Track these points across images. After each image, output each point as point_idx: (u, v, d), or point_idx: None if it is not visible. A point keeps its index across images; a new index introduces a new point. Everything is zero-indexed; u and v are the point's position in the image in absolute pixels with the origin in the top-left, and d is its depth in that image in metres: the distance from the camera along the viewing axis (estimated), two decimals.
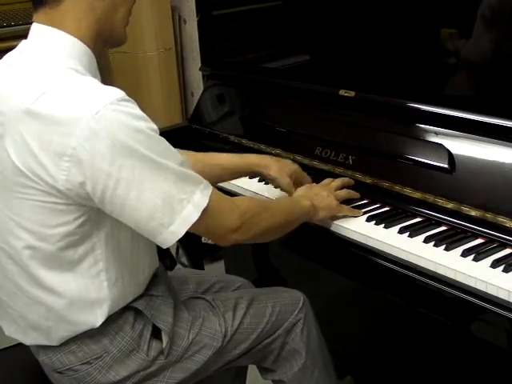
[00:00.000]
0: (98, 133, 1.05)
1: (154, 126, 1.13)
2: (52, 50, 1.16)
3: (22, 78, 1.14)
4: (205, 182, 1.17)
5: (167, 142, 1.14)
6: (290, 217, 1.36)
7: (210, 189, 1.17)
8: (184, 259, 2.38)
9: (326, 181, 1.55)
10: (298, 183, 1.57)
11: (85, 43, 1.19)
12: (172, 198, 1.11)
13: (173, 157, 1.13)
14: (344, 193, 1.51)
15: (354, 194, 1.54)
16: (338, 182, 1.54)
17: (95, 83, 1.13)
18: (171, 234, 1.13)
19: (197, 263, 2.18)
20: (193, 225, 1.14)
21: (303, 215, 1.40)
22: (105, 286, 1.22)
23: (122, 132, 1.06)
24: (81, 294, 1.21)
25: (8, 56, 1.23)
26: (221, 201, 1.20)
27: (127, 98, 1.11)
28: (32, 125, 1.08)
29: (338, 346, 1.88)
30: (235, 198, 1.28)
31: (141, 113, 1.11)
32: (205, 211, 1.15)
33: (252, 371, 1.65)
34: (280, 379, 1.48)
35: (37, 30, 1.19)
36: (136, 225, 1.13)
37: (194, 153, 1.62)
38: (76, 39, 1.17)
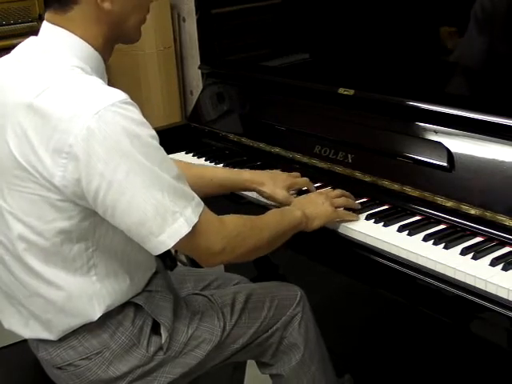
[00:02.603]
0: (95, 133, 1.06)
1: (154, 133, 1.13)
2: (60, 49, 1.17)
3: (28, 73, 1.15)
4: (197, 198, 1.17)
5: (165, 153, 1.14)
6: (278, 232, 1.33)
7: (201, 206, 1.17)
8: (183, 257, 2.38)
9: (326, 189, 1.54)
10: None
11: (93, 47, 1.20)
12: (165, 209, 1.11)
13: (169, 168, 1.13)
14: (342, 200, 1.48)
15: (353, 204, 1.50)
16: (338, 191, 1.51)
17: (99, 83, 1.13)
18: (160, 243, 1.13)
19: (196, 262, 2.18)
20: (180, 240, 1.13)
21: (293, 228, 1.38)
22: (95, 281, 1.22)
23: (120, 135, 1.07)
24: (77, 288, 1.21)
25: (17, 50, 1.24)
26: (209, 221, 1.19)
27: (130, 101, 1.11)
28: (33, 119, 1.10)
29: (338, 344, 1.89)
30: (224, 216, 1.25)
31: (142, 118, 1.11)
32: (194, 228, 1.14)
33: (250, 367, 1.66)
34: (278, 373, 1.48)
35: (47, 28, 1.20)
36: (126, 229, 1.13)
37: (188, 163, 1.62)
38: (84, 42, 1.19)
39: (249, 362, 1.64)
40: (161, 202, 1.10)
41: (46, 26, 1.21)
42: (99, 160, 1.06)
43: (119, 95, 1.10)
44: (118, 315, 1.27)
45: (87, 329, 1.25)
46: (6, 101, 1.15)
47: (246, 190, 1.63)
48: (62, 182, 1.10)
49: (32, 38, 1.23)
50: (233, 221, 1.25)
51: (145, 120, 1.12)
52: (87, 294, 1.22)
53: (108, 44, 1.24)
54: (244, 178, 1.59)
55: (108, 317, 1.26)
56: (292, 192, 1.60)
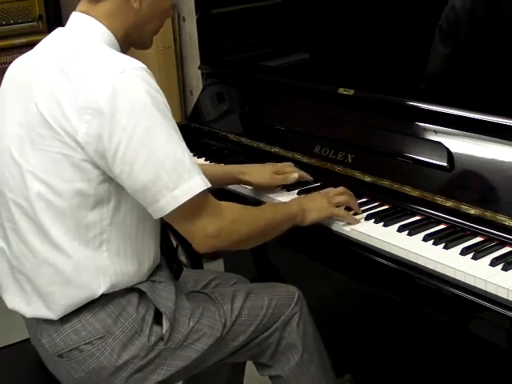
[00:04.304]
0: (120, 90, 1.14)
1: (168, 105, 1.21)
2: (87, 31, 1.28)
3: (57, 46, 1.27)
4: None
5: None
6: (273, 222, 1.36)
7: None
8: (183, 258, 2.38)
9: (329, 188, 1.53)
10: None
11: (115, 37, 1.30)
12: (182, 165, 1.17)
13: (181, 136, 1.21)
14: (341, 198, 1.47)
15: (354, 204, 1.48)
16: (340, 189, 1.51)
17: (122, 54, 1.25)
18: (173, 198, 1.17)
19: (196, 262, 2.18)
20: (189, 203, 1.17)
21: (289, 220, 1.39)
22: (105, 257, 1.25)
23: (143, 96, 1.16)
24: (86, 259, 1.24)
25: (44, 40, 1.33)
26: (211, 201, 1.24)
27: (149, 71, 1.20)
28: (63, 81, 1.18)
29: (338, 344, 1.89)
30: (222, 202, 1.28)
31: (159, 88, 1.20)
32: (201, 196, 1.18)
33: (249, 368, 1.66)
34: (277, 374, 1.48)
35: (75, 16, 1.31)
36: (142, 186, 1.17)
37: None
38: (108, 31, 1.28)
39: (248, 363, 1.64)
40: (179, 158, 1.17)
41: (74, 15, 1.31)
42: (122, 115, 1.14)
43: (140, 63, 1.20)
44: (122, 299, 1.29)
45: (91, 312, 1.27)
46: (36, 69, 1.24)
47: (233, 183, 1.68)
48: (86, 139, 1.16)
49: (60, 28, 1.32)
50: (230, 207, 1.29)
51: (161, 90, 1.20)
52: (95, 266, 1.25)
53: (127, 41, 1.33)
54: (230, 171, 1.66)
55: (112, 300, 1.28)
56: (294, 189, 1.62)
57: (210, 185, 1.21)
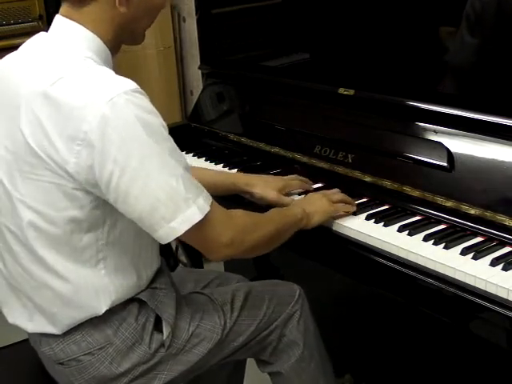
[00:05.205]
0: (109, 119, 1.08)
1: (164, 123, 1.15)
2: (73, 40, 1.20)
3: (42, 63, 1.18)
4: (205, 191, 1.19)
5: (174, 142, 1.16)
6: (282, 228, 1.35)
7: (210, 198, 1.19)
8: (183, 258, 2.38)
9: (322, 191, 1.55)
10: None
11: (103, 42, 1.22)
12: (178, 195, 1.12)
13: (179, 158, 1.16)
14: (339, 196, 1.49)
15: (350, 200, 1.50)
16: (334, 190, 1.54)
17: (111, 73, 1.16)
18: (171, 229, 1.14)
19: (196, 262, 2.18)
20: (192, 227, 1.14)
21: (295, 224, 1.39)
22: (103, 275, 1.23)
23: (133, 122, 1.09)
24: (85, 280, 1.22)
25: (27, 45, 1.26)
26: (218, 213, 1.21)
27: (141, 90, 1.13)
28: (48, 107, 1.11)
29: (338, 344, 1.89)
30: (231, 210, 1.26)
31: (152, 107, 1.14)
32: (205, 217, 1.15)
33: (249, 366, 1.66)
34: (277, 371, 1.48)
35: (59, 22, 1.23)
36: (138, 216, 1.14)
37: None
38: (95, 36, 1.21)
39: (248, 361, 1.65)
40: (174, 188, 1.12)
41: (58, 19, 1.23)
42: (113, 146, 1.08)
43: (131, 84, 1.12)
44: (122, 311, 1.28)
45: (91, 324, 1.26)
46: (20, 91, 1.17)
47: (236, 193, 1.64)
48: (76, 169, 1.11)
49: (42, 33, 1.26)
50: (240, 215, 1.27)
51: (155, 109, 1.14)
52: (94, 287, 1.23)
53: (116, 42, 1.27)
54: (235, 180, 1.62)
55: (112, 312, 1.27)
56: (295, 192, 1.61)
57: (208, 209, 1.16)
